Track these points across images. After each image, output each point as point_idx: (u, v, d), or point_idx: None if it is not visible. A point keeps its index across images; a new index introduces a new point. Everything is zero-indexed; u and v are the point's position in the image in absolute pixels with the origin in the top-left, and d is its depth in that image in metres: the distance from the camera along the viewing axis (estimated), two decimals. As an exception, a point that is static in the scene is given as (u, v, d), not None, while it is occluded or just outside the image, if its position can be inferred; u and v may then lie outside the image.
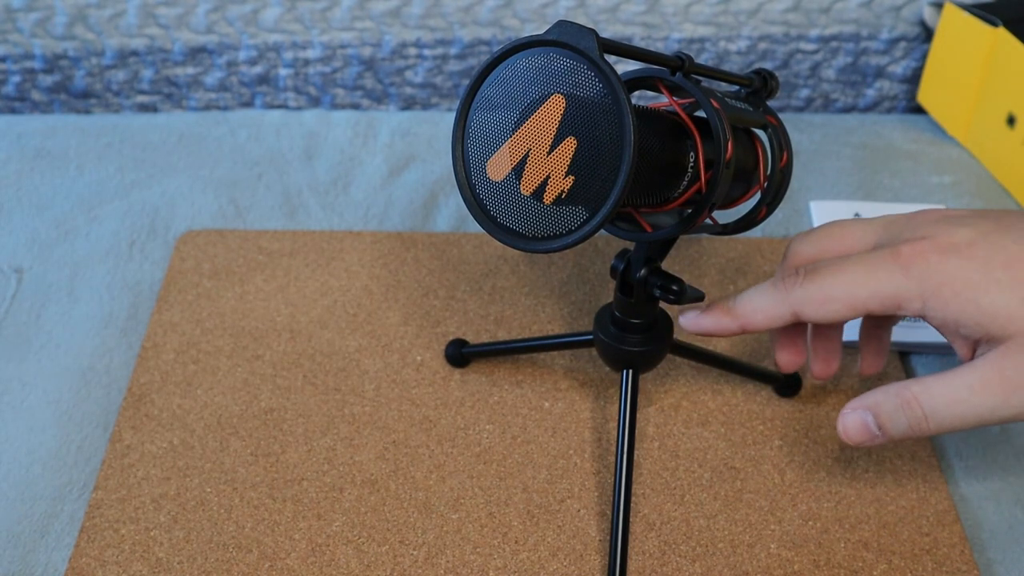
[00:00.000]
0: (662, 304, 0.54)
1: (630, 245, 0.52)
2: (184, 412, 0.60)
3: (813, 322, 0.51)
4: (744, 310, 0.49)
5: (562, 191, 0.41)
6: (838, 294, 0.46)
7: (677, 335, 0.57)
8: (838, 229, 0.51)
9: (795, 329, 0.54)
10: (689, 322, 0.51)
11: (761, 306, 0.48)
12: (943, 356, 0.64)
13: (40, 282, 0.69)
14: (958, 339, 0.46)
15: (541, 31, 0.50)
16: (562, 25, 0.40)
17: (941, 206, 0.75)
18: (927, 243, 0.45)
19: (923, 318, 0.46)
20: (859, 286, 0.46)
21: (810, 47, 0.86)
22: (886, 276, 0.45)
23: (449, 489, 0.56)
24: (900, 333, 0.65)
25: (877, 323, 0.55)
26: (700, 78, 0.48)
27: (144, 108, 0.90)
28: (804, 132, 0.83)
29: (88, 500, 0.56)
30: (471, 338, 0.65)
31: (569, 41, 0.40)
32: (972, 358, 0.46)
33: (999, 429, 0.60)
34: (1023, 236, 0.44)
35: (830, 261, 0.48)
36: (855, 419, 0.47)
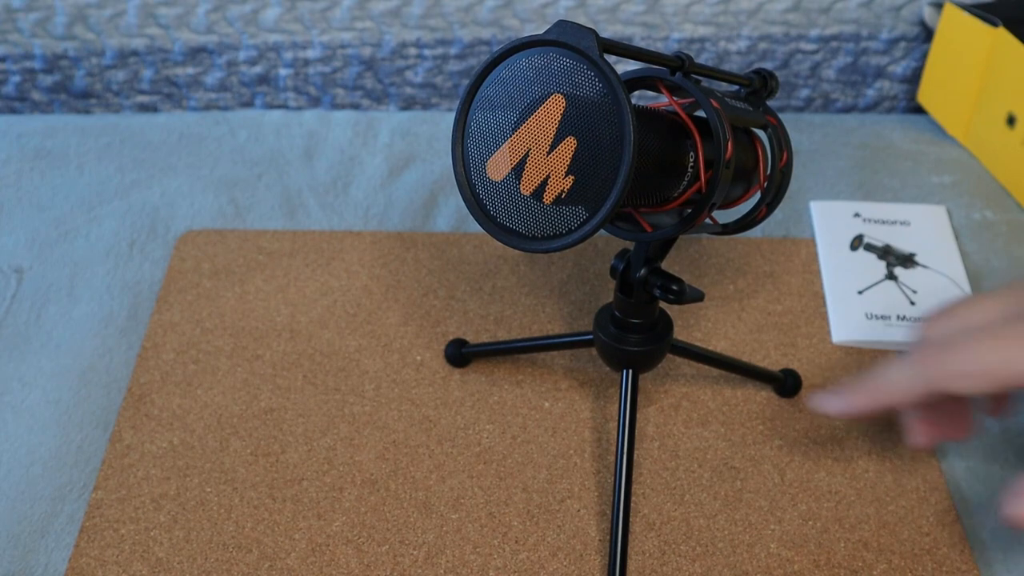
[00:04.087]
0: (662, 304, 0.54)
1: (630, 245, 0.52)
2: (184, 412, 0.60)
3: (955, 395, 0.48)
4: (883, 389, 0.48)
5: (562, 191, 0.41)
6: (982, 371, 0.45)
7: (677, 335, 0.57)
8: (966, 303, 0.50)
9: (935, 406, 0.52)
10: (833, 409, 0.50)
11: (899, 382, 0.48)
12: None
13: (40, 282, 0.69)
14: None
15: (541, 31, 0.50)
16: (562, 25, 0.40)
17: (942, 206, 0.75)
18: None
19: None
20: (1005, 364, 0.45)
21: (810, 47, 0.86)
22: None
23: (449, 489, 0.56)
24: (901, 334, 0.65)
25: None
26: (700, 78, 0.48)
27: (144, 108, 0.90)
28: (804, 132, 0.83)
29: (88, 500, 0.56)
30: (471, 338, 0.65)
31: (569, 41, 0.40)
32: None
33: (999, 429, 0.60)
34: None
35: (969, 332, 0.46)
36: None
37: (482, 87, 0.43)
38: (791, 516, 0.55)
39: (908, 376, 0.48)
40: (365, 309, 0.67)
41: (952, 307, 0.51)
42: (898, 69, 0.87)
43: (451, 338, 0.64)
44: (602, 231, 0.43)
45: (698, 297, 0.51)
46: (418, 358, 0.63)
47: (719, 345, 0.64)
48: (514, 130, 0.41)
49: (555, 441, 0.59)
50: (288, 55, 0.86)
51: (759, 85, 0.53)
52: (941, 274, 0.69)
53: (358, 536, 0.54)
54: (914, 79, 0.87)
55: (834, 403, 0.51)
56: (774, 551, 0.53)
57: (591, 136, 0.40)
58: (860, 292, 0.68)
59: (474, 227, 0.73)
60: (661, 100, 0.55)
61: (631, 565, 0.53)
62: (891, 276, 0.69)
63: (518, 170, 0.42)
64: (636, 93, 0.67)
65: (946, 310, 0.51)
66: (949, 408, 0.53)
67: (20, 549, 0.54)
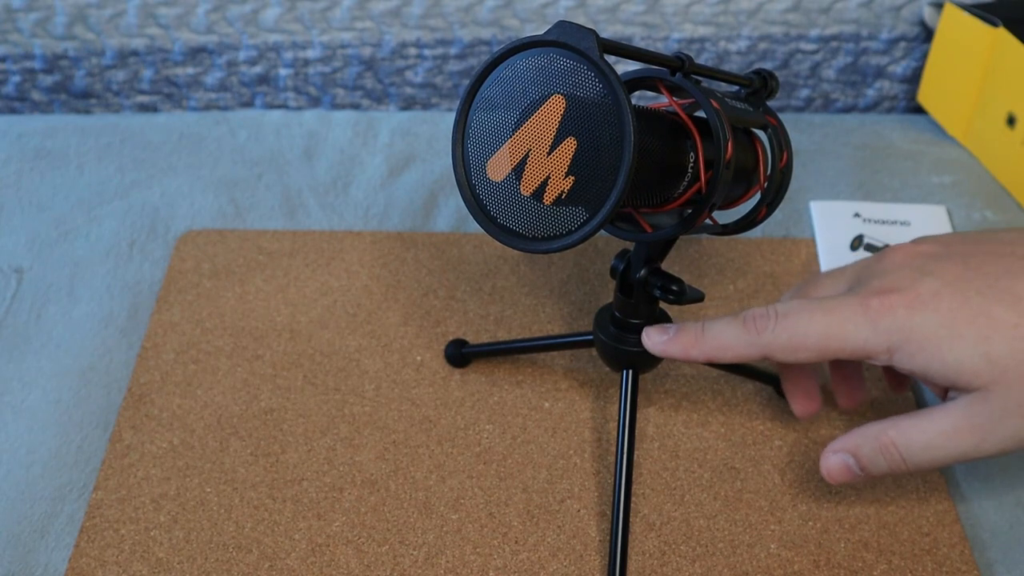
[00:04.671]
0: (662, 304, 0.54)
1: (630, 245, 0.52)
2: (184, 412, 0.60)
3: (784, 363, 0.52)
4: (713, 344, 0.49)
5: (562, 191, 0.41)
6: (809, 343, 0.47)
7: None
8: (817, 278, 0.54)
9: (802, 373, 0.55)
10: (655, 346, 0.51)
11: (731, 343, 0.49)
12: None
13: (40, 282, 0.69)
14: (928, 384, 0.48)
15: (541, 31, 0.50)
16: (562, 25, 0.40)
17: (942, 206, 0.75)
18: (895, 297, 0.46)
19: (892, 367, 0.47)
20: (829, 337, 0.47)
21: (810, 47, 0.86)
22: (854, 328, 0.46)
23: (449, 489, 0.56)
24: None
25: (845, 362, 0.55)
26: (700, 78, 0.48)
27: (144, 108, 0.90)
28: (804, 132, 0.83)
29: (88, 500, 0.56)
30: (471, 338, 0.65)
31: (569, 41, 0.40)
32: (945, 396, 0.47)
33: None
34: (987, 285, 0.46)
35: (801, 303, 0.48)
36: (837, 461, 0.49)
37: (482, 87, 0.43)
38: (791, 516, 0.55)
39: (739, 340, 0.49)
40: (365, 309, 0.67)
41: (806, 281, 0.54)
42: (898, 69, 0.87)
43: (451, 338, 0.64)
44: (602, 231, 0.43)
45: (698, 297, 0.51)
46: (418, 358, 0.64)
47: (719, 345, 0.64)
48: (514, 130, 0.41)
49: (555, 441, 0.59)
50: (288, 55, 0.86)
51: (759, 85, 0.53)
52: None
53: (358, 536, 0.54)
54: (914, 79, 0.87)
55: (667, 348, 0.50)
56: (774, 551, 0.53)
57: (591, 136, 0.40)
58: (860, 292, 0.68)
59: (474, 227, 0.73)
60: (661, 100, 0.55)
61: (631, 565, 0.53)
62: (891, 276, 0.69)
63: (518, 171, 0.42)
64: (636, 93, 0.67)
65: (801, 284, 0.54)
66: (839, 375, 0.55)
67: (20, 549, 0.54)
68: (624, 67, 0.66)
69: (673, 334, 0.50)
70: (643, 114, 0.46)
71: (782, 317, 0.48)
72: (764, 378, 0.61)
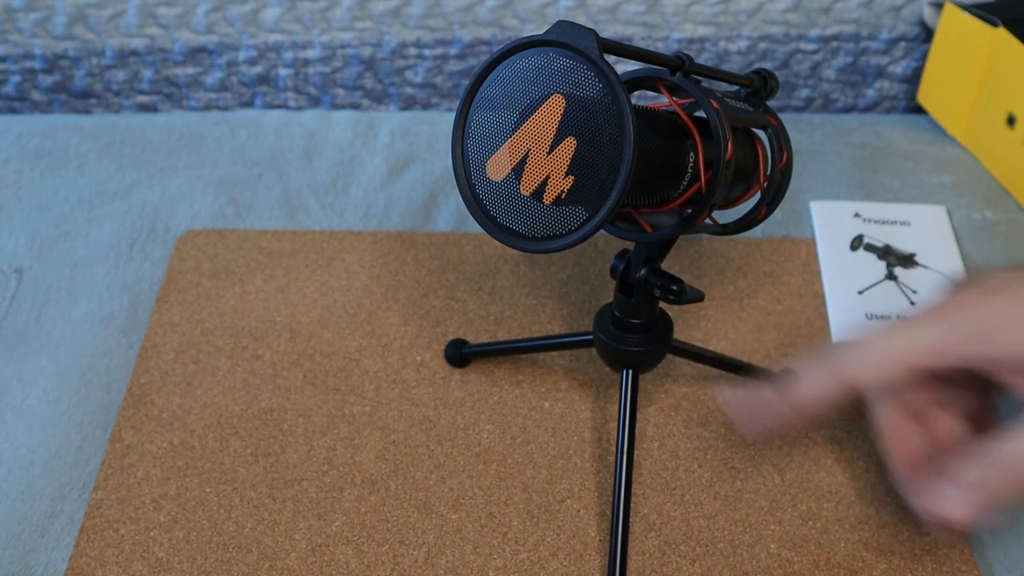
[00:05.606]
0: (662, 304, 0.54)
1: (630, 245, 0.52)
2: (184, 412, 0.60)
3: (867, 388, 0.49)
4: (792, 396, 0.48)
5: (562, 191, 0.41)
6: (894, 354, 0.47)
7: (677, 335, 0.57)
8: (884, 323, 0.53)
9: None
10: (740, 415, 0.51)
11: (810, 380, 0.48)
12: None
13: (40, 282, 0.69)
14: (1015, 376, 0.47)
15: (541, 31, 0.50)
16: (562, 25, 0.40)
17: (942, 206, 0.75)
18: (964, 292, 0.48)
19: (976, 363, 0.46)
20: (909, 342, 0.47)
21: (810, 47, 0.86)
22: (933, 328, 0.47)
23: (449, 489, 0.56)
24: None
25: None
26: (700, 78, 0.48)
27: (144, 108, 0.90)
28: (804, 132, 0.83)
29: (88, 500, 0.56)
30: (471, 338, 0.65)
31: (569, 41, 0.40)
32: None
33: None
34: None
35: (875, 329, 0.49)
36: (965, 503, 0.45)
37: (482, 87, 0.43)
38: (791, 516, 0.55)
39: (821, 374, 0.48)
40: (365, 309, 0.67)
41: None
42: (898, 69, 0.87)
43: (451, 338, 0.64)
44: (602, 231, 0.43)
45: (698, 297, 0.51)
46: (418, 358, 0.63)
47: (719, 345, 0.64)
48: (514, 130, 0.41)
49: (555, 441, 0.59)
50: (288, 55, 0.86)
51: (759, 85, 0.53)
52: (941, 274, 0.69)
53: (358, 536, 0.54)
54: (914, 79, 0.87)
55: (749, 407, 0.50)
56: (774, 551, 0.53)
57: (591, 136, 0.40)
58: (860, 292, 0.68)
59: (474, 227, 0.73)
60: (661, 100, 0.55)
61: (631, 565, 0.53)
62: (891, 276, 0.69)
63: (518, 170, 0.42)
64: (636, 93, 0.67)
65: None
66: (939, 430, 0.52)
67: (20, 549, 0.54)
68: (624, 67, 0.66)
69: (745, 393, 0.50)
70: (643, 114, 0.46)
71: (858, 341, 0.48)
72: (764, 377, 0.61)
